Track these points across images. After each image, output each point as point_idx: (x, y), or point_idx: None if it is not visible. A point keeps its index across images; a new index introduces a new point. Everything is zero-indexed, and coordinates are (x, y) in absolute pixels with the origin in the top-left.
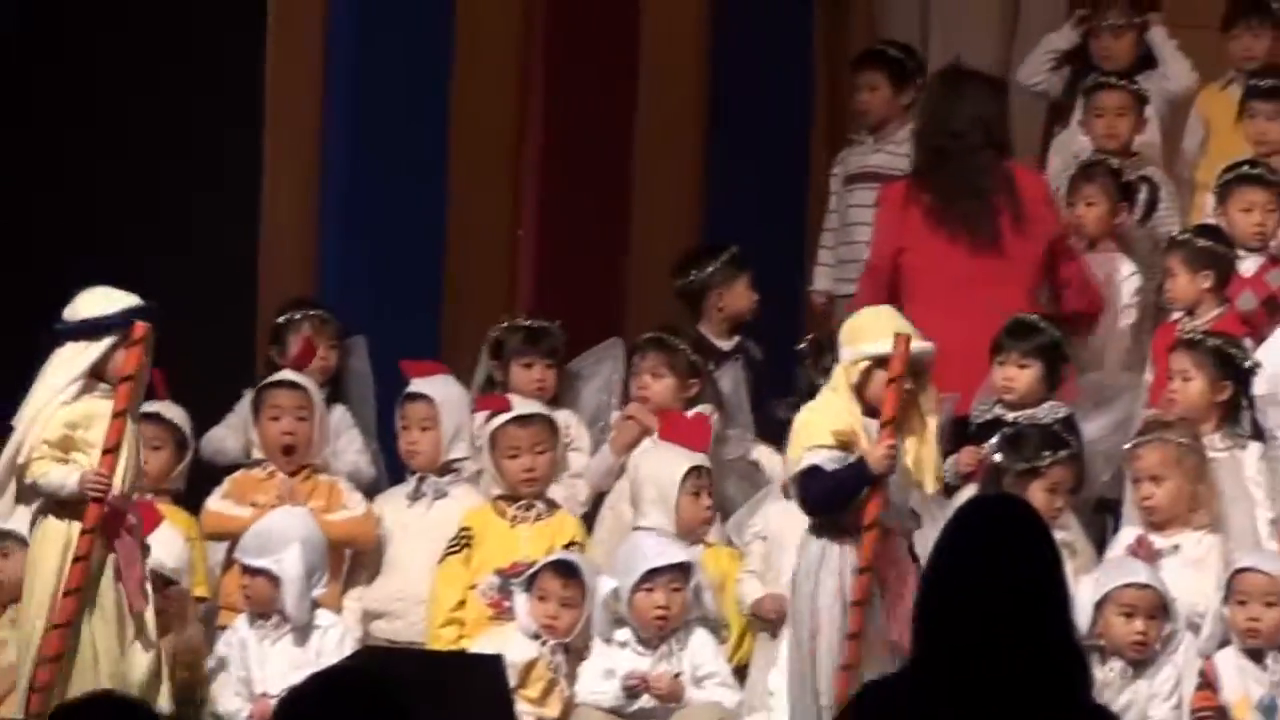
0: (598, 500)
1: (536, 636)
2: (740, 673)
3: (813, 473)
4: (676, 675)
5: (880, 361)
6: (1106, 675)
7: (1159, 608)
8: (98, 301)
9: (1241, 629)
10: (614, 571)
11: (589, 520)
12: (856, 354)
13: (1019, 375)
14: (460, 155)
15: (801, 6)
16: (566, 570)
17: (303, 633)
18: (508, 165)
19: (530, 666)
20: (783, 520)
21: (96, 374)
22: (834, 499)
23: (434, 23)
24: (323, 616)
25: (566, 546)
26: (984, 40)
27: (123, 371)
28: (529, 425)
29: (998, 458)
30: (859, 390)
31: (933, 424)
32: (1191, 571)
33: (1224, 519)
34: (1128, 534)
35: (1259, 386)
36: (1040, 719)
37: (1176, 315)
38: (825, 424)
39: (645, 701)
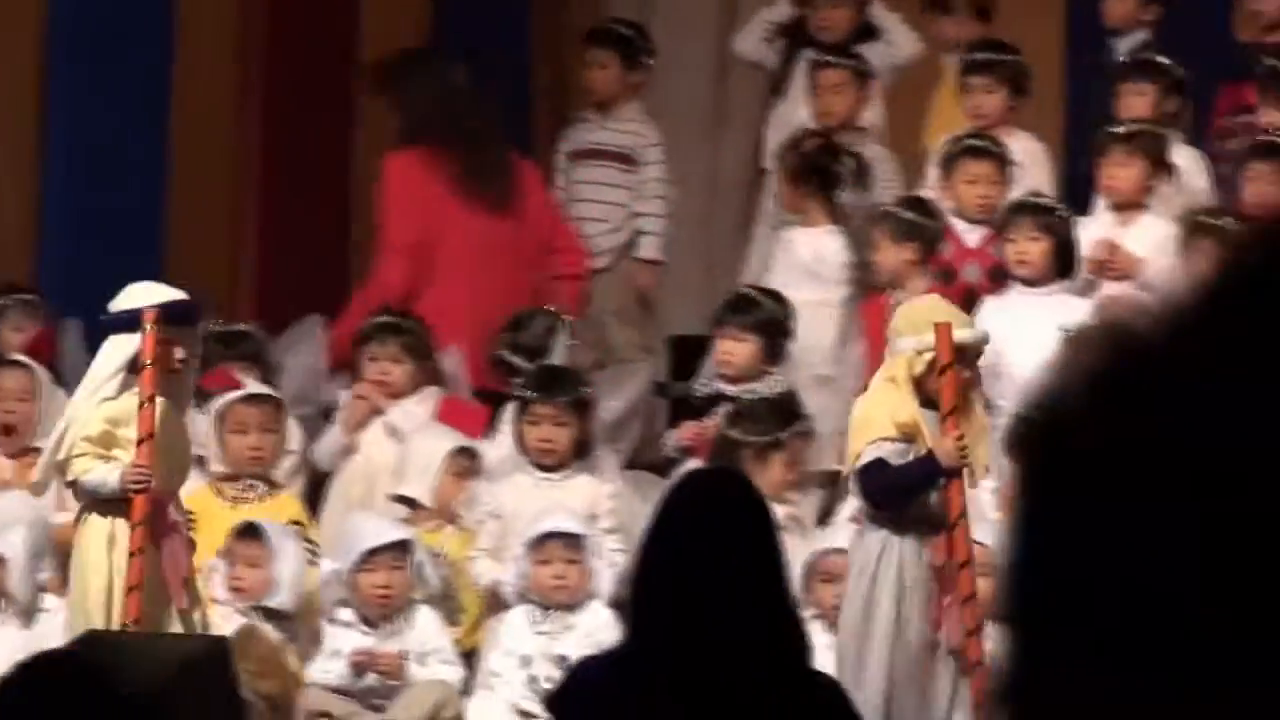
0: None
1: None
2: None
3: (877, 466)
4: (401, 653)
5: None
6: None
7: None
8: (138, 295)
9: None
10: (335, 553)
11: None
12: (921, 344)
13: (737, 349)
14: (181, 140)
15: None
16: (250, 532)
17: (27, 616)
18: (227, 151)
19: (248, 639)
20: (516, 497)
21: (136, 369)
22: (902, 494)
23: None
24: (49, 600)
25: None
26: (704, 16)
27: (142, 358)
28: (260, 404)
29: (734, 433)
30: (919, 382)
31: (982, 411)
32: None
33: None
34: (853, 507)
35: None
36: (760, 689)
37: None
38: (886, 416)
39: (371, 679)
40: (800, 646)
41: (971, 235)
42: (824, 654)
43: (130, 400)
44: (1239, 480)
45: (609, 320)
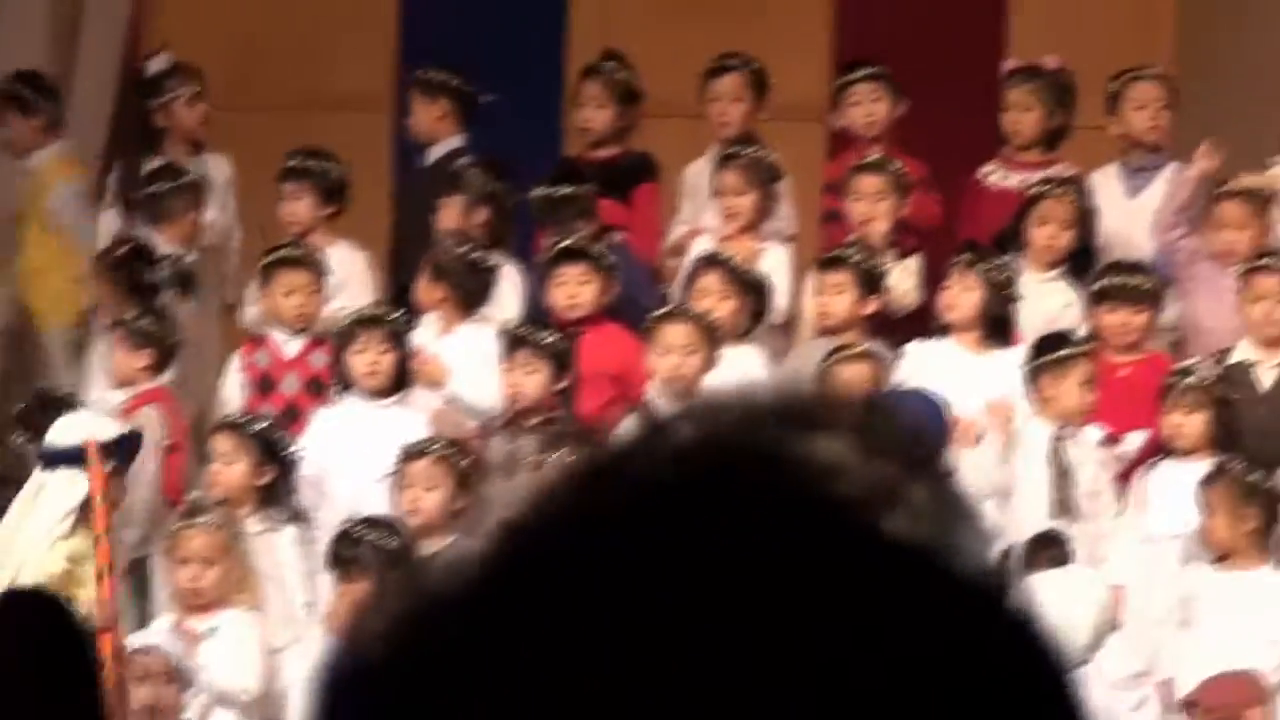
0: None
1: None
2: None
3: None
4: None
5: None
6: None
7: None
8: (77, 428)
9: None
10: None
11: None
12: None
13: None
14: None
15: None
16: None
17: None
18: None
19: None
20: None
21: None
22: None
23: None
24: None
25: None
26: None
27: (94, 493)
28: None
29: None
30: None
31: None
32: (232, 652)
33: (262, 600)
34: (164, 621)
35: (303, 469)
36: None
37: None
38: None
39: None
40: None
41: (290, 345)
42: None
43: (86, 538)
44: None
45: None
